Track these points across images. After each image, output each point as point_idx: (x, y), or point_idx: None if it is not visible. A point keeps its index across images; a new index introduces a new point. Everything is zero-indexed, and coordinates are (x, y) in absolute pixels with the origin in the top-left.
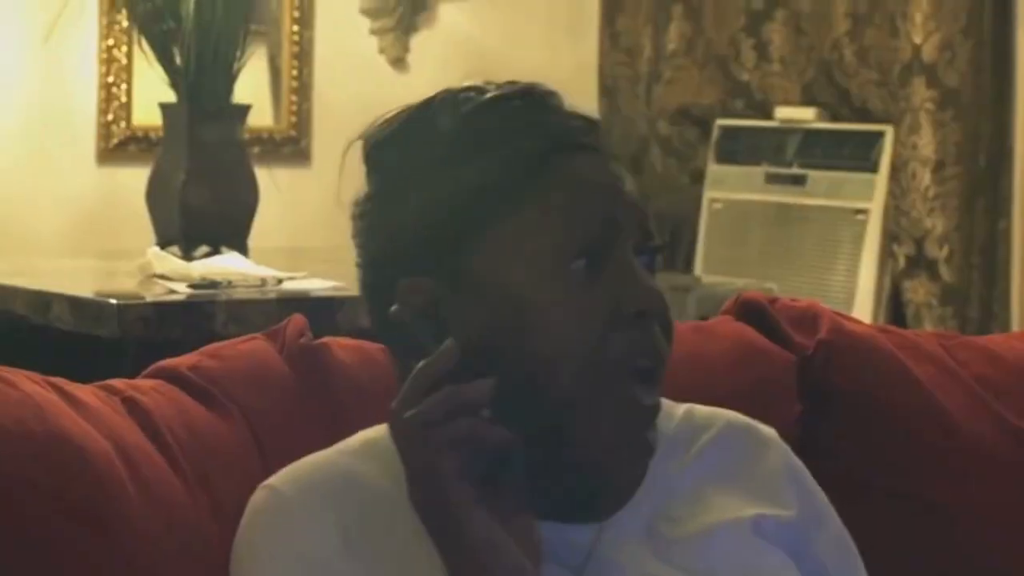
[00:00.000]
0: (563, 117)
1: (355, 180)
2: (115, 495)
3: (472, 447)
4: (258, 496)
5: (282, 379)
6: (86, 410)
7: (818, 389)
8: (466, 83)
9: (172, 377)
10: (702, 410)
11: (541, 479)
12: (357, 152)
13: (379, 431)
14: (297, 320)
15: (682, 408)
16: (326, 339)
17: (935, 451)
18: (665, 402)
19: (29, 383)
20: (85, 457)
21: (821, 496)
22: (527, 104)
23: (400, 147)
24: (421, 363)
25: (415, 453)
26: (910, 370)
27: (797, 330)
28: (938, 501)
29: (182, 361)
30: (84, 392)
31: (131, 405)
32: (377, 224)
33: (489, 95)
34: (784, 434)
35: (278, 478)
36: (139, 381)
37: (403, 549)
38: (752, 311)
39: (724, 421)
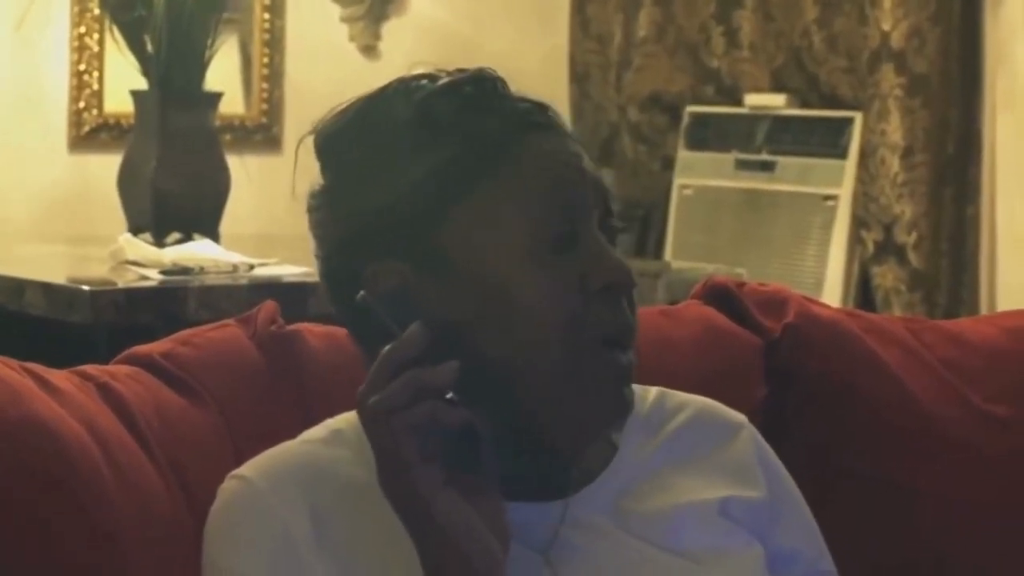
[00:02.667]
0: (514, 101)
1: (314, 172)
2: (90, 479)
3: (435, 430)
4: (229, 485)
5: (254, 366)
6: (61, 396)
7: (785, 372)
8: (416, 71)
9: (145, 364)
10: (674, 395)
11: (509, 460)
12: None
13: (346, 418)
14: (268, 307)
15: (654, 391)
16: (298, 326)
17: (901, 434)
18: (637, 387)
19: (4, 368)
20: (60, 441)
21: (789, 480)
22: (479, 89)
23: (356, 137)
24: (387, 348)
25: (381, 439)
26: (876, 353)
27: (764, 314)
28: (904, 483)
29: (155, 348)
30: (59, 378)
31: (105, 391)
32: (337, 214)
33: (442, 82)
34: (750, 417)
35: (248, 467)
36: (113, 367)
37: (376, 535)
38: (720, 295)
39: (695, 406)
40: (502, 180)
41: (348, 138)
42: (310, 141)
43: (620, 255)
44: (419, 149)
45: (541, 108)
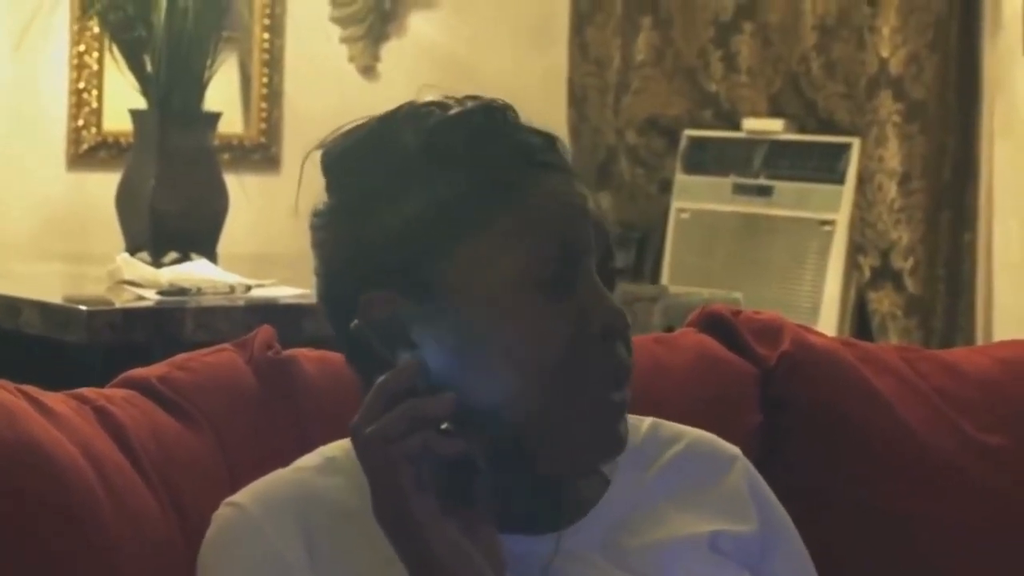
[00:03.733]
0: (526, 134)
1: (318, 188)
2: (85, 502)
3: (430, 460)
4: (223, 512)
5: (250, 391)
6: (57, 419)
7: (780, 401)
8: (428, 97)
9: (141, 387)
10: (668, 426)
11: (503, 491)
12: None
13: (340, 446)
14: (265, 331)
15: (647, 422)
16: (294, 351)
17: (895, 463)
18: (631, 416)
19: (0, 391)
20: (56, 464)
21: (782, 513)
22: (490, 121)
23: (363, 160)
24: (381, 378)
25: (376, 468)
26: (871, 382)
27: (760, 342)
28: (898, 513)
29: (151, 371)
30: (55, 400)
31: (102, 415)
32: (340, 237)
33: (453, 111)
34: (744, 445)
35: (242, 495)
36: (109, 391)
37: (370, 563)
38: (715, 323)
39: (689, 438)
40: (506, 218)
41: (355, 161)
42: (314, 156)
43: (616, 300)
44: (425, 181)
45: (549, 144)
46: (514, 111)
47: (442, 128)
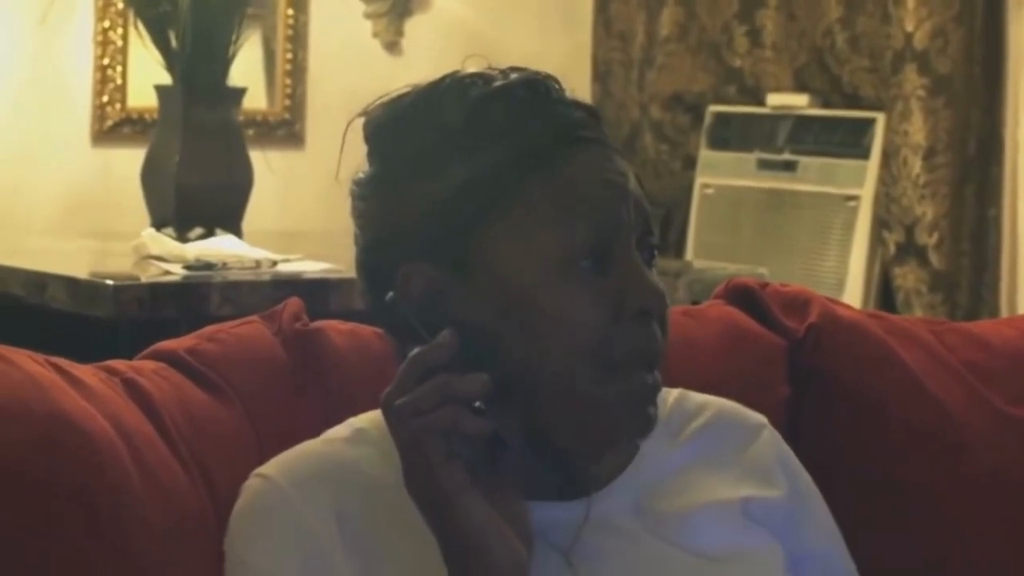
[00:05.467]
0: (567, 108)
1: (353, 159)
2: (116, 477)
3: (457, 435)
4: (252, 483)
5: (278, 363)
6: (87, 390)
7: (807, 373)
8: (471, 69)
9: (170, 359)
10: (695, 396)
11: (532, 462)
12: (354, 132)
13: (370, 417)
14: (293, 303)
15: (675, 393)
16: (321, 323)
17: (923, 435)
18: None
19: (31, 363)
20: (87, 436)
21: (809, 483)
22: (532, 94)
23: (405, 131)
24: (416, 350)
25: (406, 440)
26: (899, 355)
27: (787, 314)
28: (925, 486)
29: (180, 343)
30: (85, 373)
31: (131, 387)
32: (379, 207)
33: (496, 84)
34: (772, 417)
35: (271, 466)
36: (139, 363)
37: (400, 534)
38: (742, 296)
39: (716, 408)
40: (546, 191)
41: (396, 132)
42: (344, 125)
43: (655, 278)
44: (465, 153)
45: (593, 119)
46: (558, 84)
47: (483, 101)
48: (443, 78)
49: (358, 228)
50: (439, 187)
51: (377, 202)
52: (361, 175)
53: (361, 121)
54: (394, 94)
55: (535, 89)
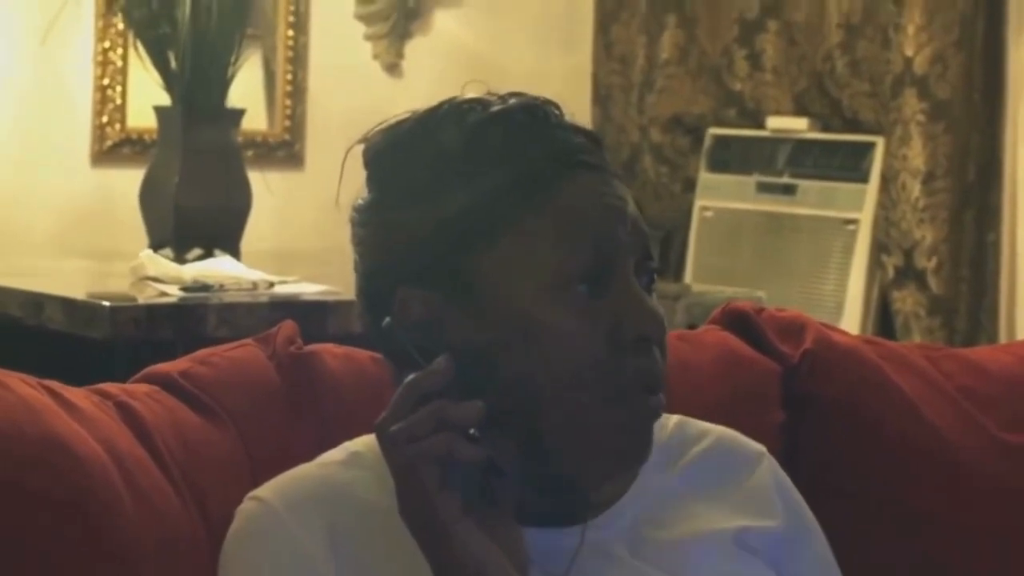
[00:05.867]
0: (567, 133)
1: (352, 184)
2: (108, 500)
3: (452, 462)
4: (246, 507)
5: (272, 386)
6: (79, 414)
7: (802, 398)
8: (469, 94)
9: (163, 382)
10: (695, 423)
11: (528, 489)
12: (353, 157)
13: (364, 441)
14: (288, 327)
15: (675, 419)
16: (316, 347)
17: (918, 461)
18: None
19: (24, 386)
20: (78, 460)
21: (807, 511)
22: (531, 119)
23: (404, 157)
24: (411, 376)
25: (400, 467)
26: (894, 381)
27: (782, 340)
28: (920, 511)
29: (173, 366)
30: (77, 396)
31: (124, 410)
32: (378, 233)
33: (495, 109)
34: (767, 442)
35: (266, 489)
36: (132, 386)
37: (394, 558)
38: (738, 320)
39: (716, 435)
40: (544, 216)
41: (395, 158)
42: (344, 147)
43: (654, 303)
44: (464, 179)
45: (592, 144)
46: (558, 109)
47: (482, 126)
48: (441, 104)
49: (357, 255)
50: (437, 212)
51: (376, 228)
52: (360, 201)
53: (360, 147)
54: (393, 120)
55: (534, 114)
